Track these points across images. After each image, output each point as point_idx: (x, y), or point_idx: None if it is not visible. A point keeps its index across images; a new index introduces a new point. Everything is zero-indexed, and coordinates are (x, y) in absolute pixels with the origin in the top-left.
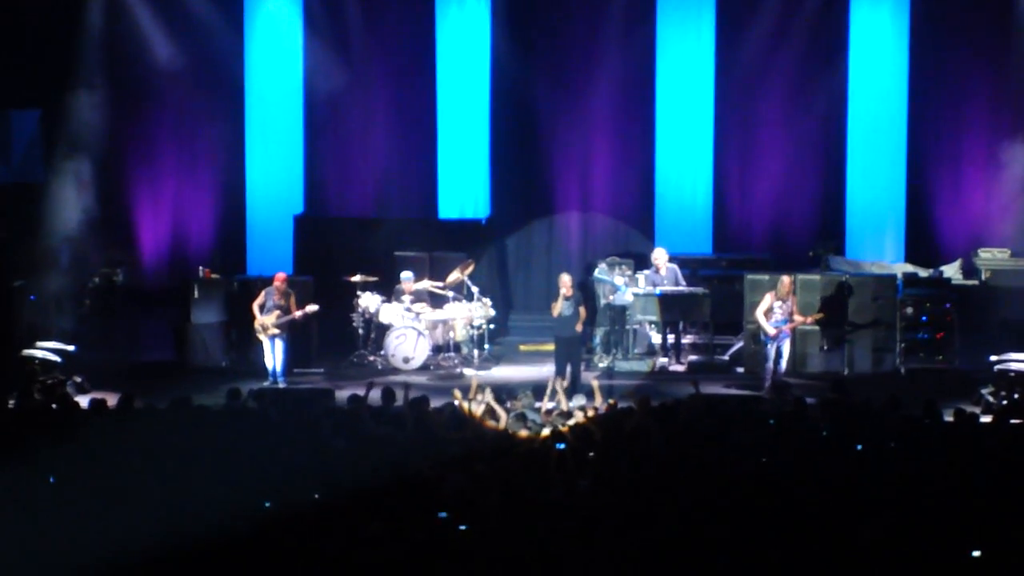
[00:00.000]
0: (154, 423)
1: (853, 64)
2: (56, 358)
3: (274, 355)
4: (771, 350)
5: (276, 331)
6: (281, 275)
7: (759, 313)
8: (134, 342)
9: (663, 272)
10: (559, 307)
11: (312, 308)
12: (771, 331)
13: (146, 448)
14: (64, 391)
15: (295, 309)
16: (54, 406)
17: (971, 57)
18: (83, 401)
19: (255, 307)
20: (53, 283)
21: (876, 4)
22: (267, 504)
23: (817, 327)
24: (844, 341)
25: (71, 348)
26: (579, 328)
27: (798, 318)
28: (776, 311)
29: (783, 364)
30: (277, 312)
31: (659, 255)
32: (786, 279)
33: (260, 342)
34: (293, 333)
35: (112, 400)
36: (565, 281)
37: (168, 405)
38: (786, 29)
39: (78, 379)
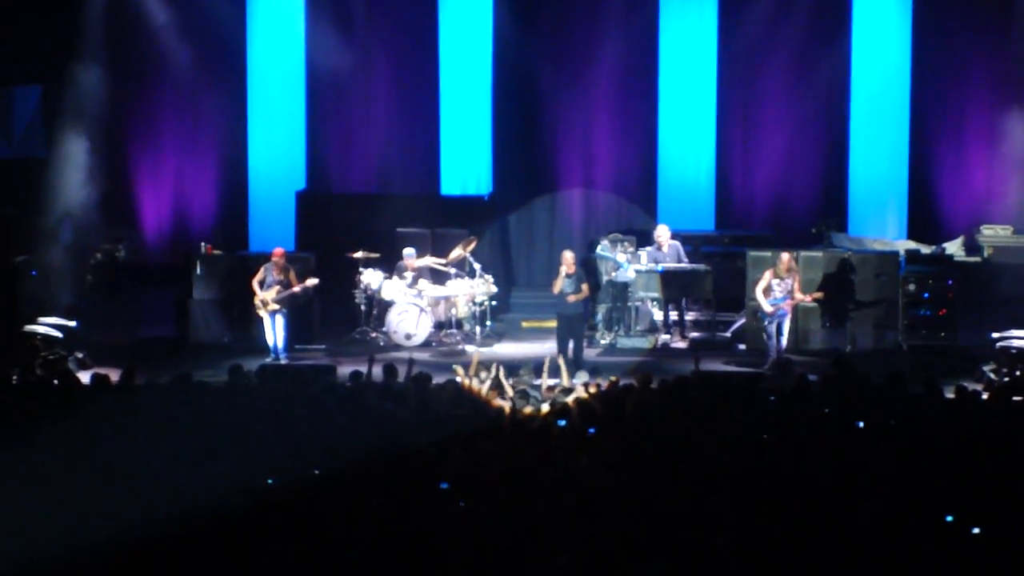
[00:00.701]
0: (156, 399)
1: (856, 40)
2: (58, 334)
3: (275, 331)
4: (772, 328)
5: (276, 306)
6: (279, 250)
7: (758, 290)
8: (136, 318)
9: (665, 249)
10: (559, 284)
11: (313, 281)
12: (768, 308)
13: (148, 424)
14: (66, 367)
15: (295, 283)
16: (56, 382)
17: (974, 34)
18: (85, 377)
19: (255, 283)
20: (55, 259)
21: None
22: (269, 480)
23: (817, 304)
24: (846, 318)
25: (73, 324)
26: (571, 300)
27: (798, 296)
28: (775, 289)
29: (783, 342)
30: (277, 287)
31: (662, 232)
32: (785, 256)
33: (261, 318)
34: (295, 309)
35: (114, 376)
36: (567, 258)
37: (170, 381)
38: (789, 5)
39: (80, 355)
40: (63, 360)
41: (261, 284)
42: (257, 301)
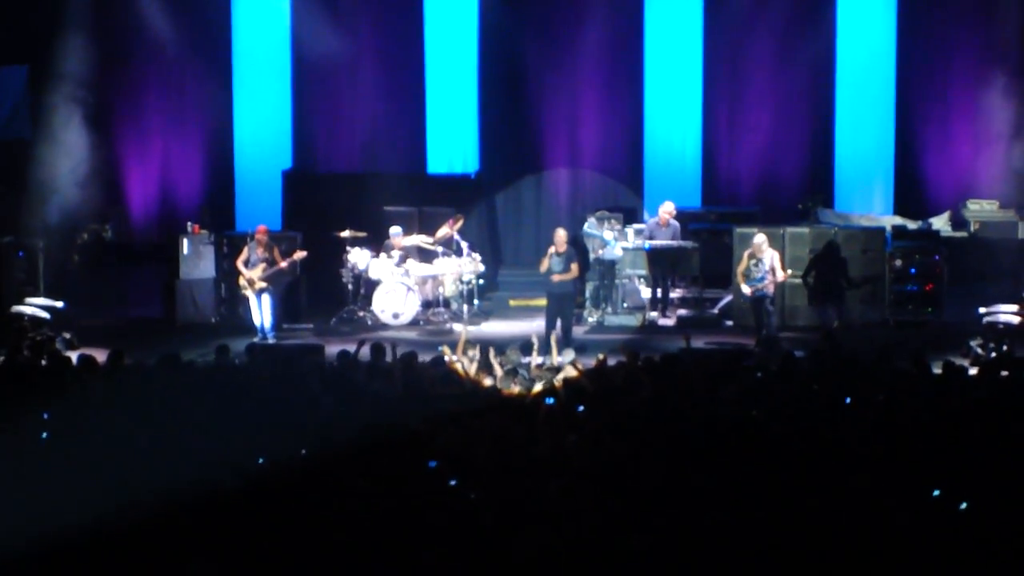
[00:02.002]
0: (143, 379)
1: (841, 16)
2: (45, 314)
3: (261, 311)
4: (761, 309)
5: (263, 284)
6: (262, 227)
7: (738, 273)
8: (123, 298)
9: (666, 227)
10: (547, 263)
11: (300, 255)
12: (747, 290)
13: (135, 404)
14: (53, 347)
15: (280, 260)
16: (43, 362)
17: (959, 9)
18: (72, 357)
19: (239, 264)
20: (42, 239)
21: None
22: (260, 460)
23: (808, 280)
24: (833, 294)
25: (60, 304)
26: (555, 279)
27: (779, 274)
28: (753, 270)
29: (774, 320)
30: (263, 265)
31: (667, 208)
32: (757, 236)
33: (247, 298)
34: (282, 288)
35: (101, 356)
36: (559, 236)
37: (157, 361)
38: None
39: (67, 335)
40: (50, 341)
41: (246, 263)
42: (242, 281)
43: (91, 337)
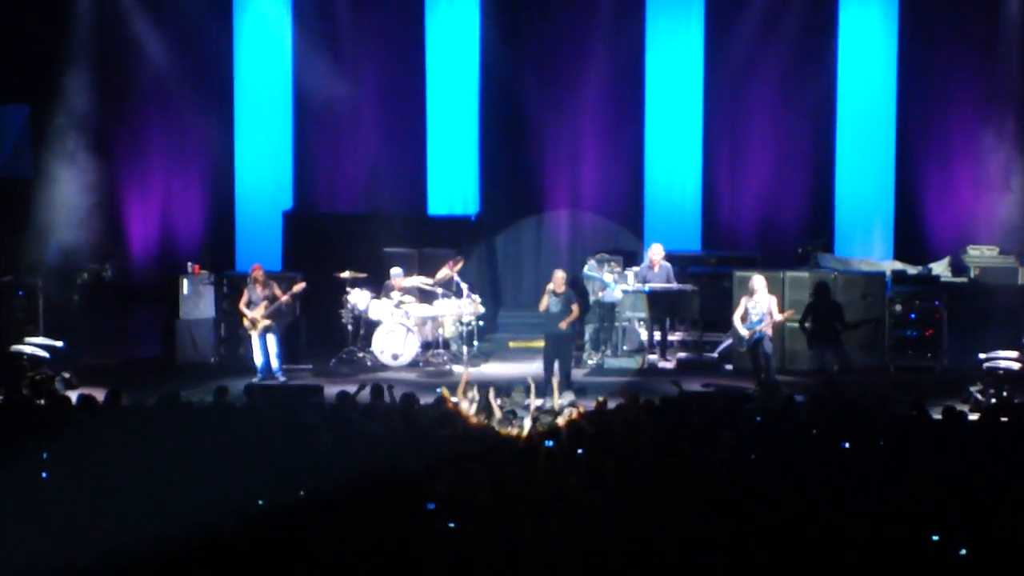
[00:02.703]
0: (142, 419)
1: (842, 61)
2: (44, 354)
3: (264, 350)
4: (759, 352)
5: (267, 323)
6: (256, 266)
7: (735, 318)
8: (123, 338)
9: (656, 269)
10: (545, 302)
11: (299, 287)
12: (744, 333)
13: (134, 444)
14: (52, 387)
15: (281, 295)
16: (42, 402)
17: (959, 54)
18: (71, 397)
19: (242, 306)
20: (42, 278)
21: (865, 1)
22: (259, 501)
23: (805, 325)
24: (833, 339)
25: (59, 344)
26: (563, 326)
27: (776, 316)
28: (751, 313)
29: (773, 364)
30: (264, 303)
31: (656, 251)
32: (755, 279)
33: (250, 337)
34: (284, 326)
35: (100, 396)
36: (557, 277)
37: (156, 401)
38: (775, 25)
39: (66, 375)
40: (50, 380)
41: (248, 305)
42: (246, 322)
43: (90, 377)
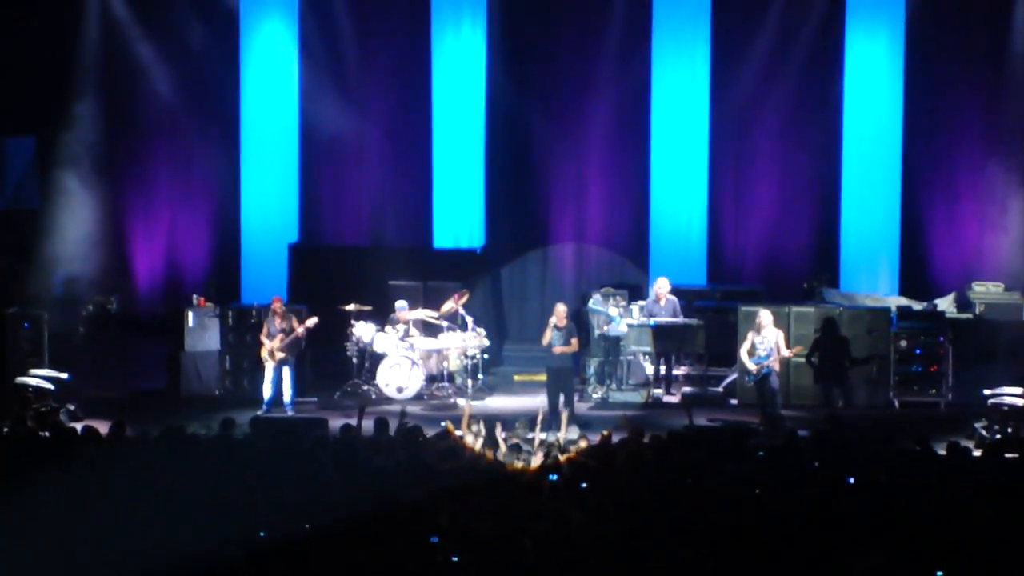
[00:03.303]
0: (146, 452)
1: (848, 96)
2: (49, 386)
3: (274, 384)
4: (765, 387)
5: (283, 354)
6: (276, 299)
7: (742, 352)
8: (128, 370)
9: (663, 303)
10: (548, 336)
11: (312, 321)
12: (751, 367)
13: (138, 477)
14: (57, 419)
15: (298, 327)
16: (46, 434)
17: (966, 91)
18: (76, 429)
19: (263, 337)
20: (47, 310)
21: (871, 36)
22: (261, 534)
23: (812, 360)
24: (838, 374)
25: (64, 376)
26: (556, 350)
27: (783, 352)
28: (758, 348)
29: (779, 398)
30: (280, 335)
31: (662, 285)
32: (762, 314)
33: (255, 369)
34: (300, 358)
35: (105, 428)
36: (559, 311)
37: (161, 434)
38: (781, 61)
39: (71, 407)
40: (54, 412)
41: (268, 335)
42: (263, 353)
43: (95, 409)
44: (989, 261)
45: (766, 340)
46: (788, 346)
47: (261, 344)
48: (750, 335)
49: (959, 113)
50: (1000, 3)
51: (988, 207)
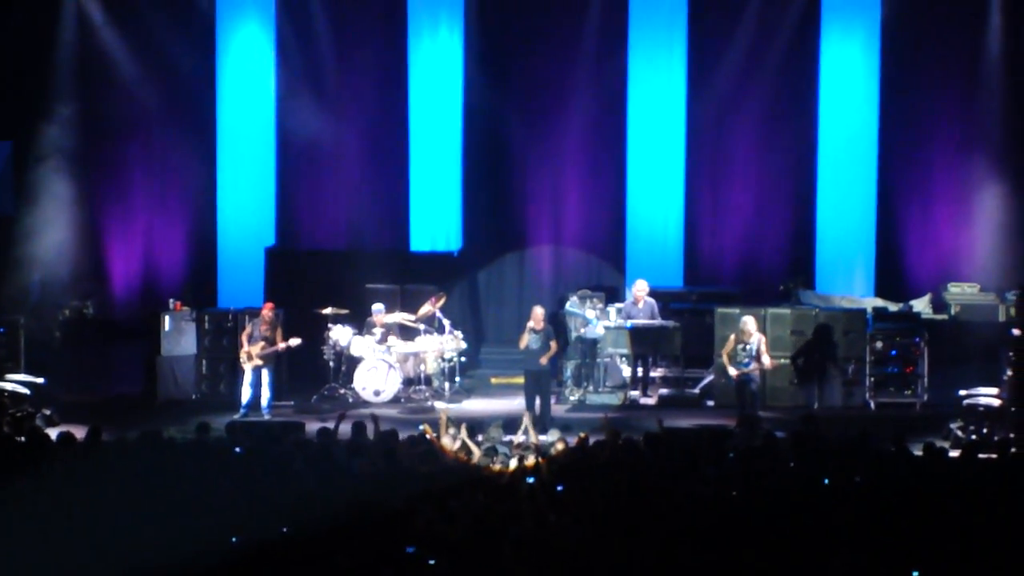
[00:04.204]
0: (123, 456)
1: (823, 99)
2: (25, 391)
3: (253, 387)
4: (745, 391)
5: (260, 362)
6: (269, 304)
7: (723, 353)
8: (104, 375)
9: (641, 305)
10: (526, 339)
11: (295, 342)
12: (733, 372)
13: (115, 481)
14: (33, 424)
15: (280, 341)
16: (23, 439)
17: (941, 93)
18: (52, 434)
19: (243, 337)
20: (23, 315)
21: (847, 39)
22: (237, 539)
23: (798, 361)
24: (814, 375)
25: (41, 380)
26: (543, 361)
27: (765, 361)
28: (740, 353)
29: (757, 402)
30: (262, 343)
31: (640, 287)
32: (748, 320)
33: (231, 373)
34: (276, 363)
35: (81, 433)
36: (536, 314)
37: (137, 438)
38: (757, 64)
39: (47, 412)
40: (31, 417)
41: (249, 338)
42: (242, 354)
43: (72, 414)
44: (965, 262)
45: (749, 345)
46: (768, 351)
47: (240, 344)
48: (732, 338)
49: (934, 115)
50: (975, 6)
51: (963, 208)
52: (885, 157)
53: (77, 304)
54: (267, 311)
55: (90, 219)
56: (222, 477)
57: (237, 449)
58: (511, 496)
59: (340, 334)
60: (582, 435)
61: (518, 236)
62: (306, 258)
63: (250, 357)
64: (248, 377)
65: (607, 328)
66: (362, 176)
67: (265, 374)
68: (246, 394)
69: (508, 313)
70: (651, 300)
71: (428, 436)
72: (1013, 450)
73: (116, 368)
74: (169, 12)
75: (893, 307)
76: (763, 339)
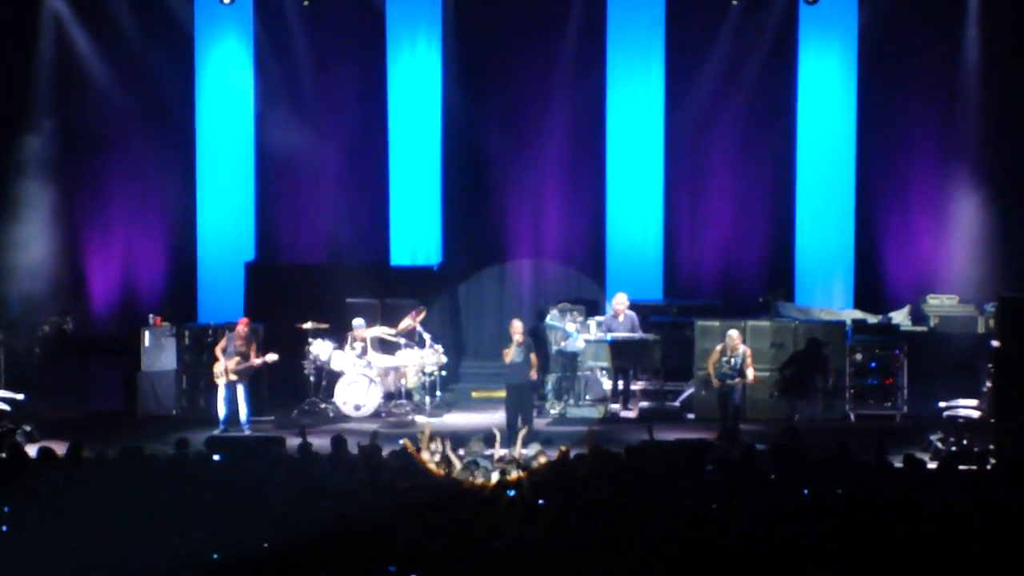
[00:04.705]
0: (103, 472)
1: (801, 112)
2: (5, 407)
3: (227, 402)
4: (727, 402)
5: (234, 377)
6: (244, 320)
7: (708, 364)
8: (84, 390)
9: (621, 318)
10: (511, 353)
11: (271, 358)
12: (715, 383)
13: (95, 497)
14: (13, 440)
15: (255, 356)
16: (2, 455)
17: (918, 106)
18: (32, 450)
19: (218, 350)
20: (2, 331)
21: (824, 52)
22: (216, 555)
23: (785, 373)
24: (794, 387)
25: (20, 397)
26: (534, 375)
27: (750, 374)
28: (724, 365)
29: (740, 415)
30: (237, 358)
31: (620, 300)
32: (734, 333)
33: (211, 389)
34: (254, 378)
35: (62, 449)
36: (516, 327)
37: (118, 454)
38: (735, 77)
39: (28, 428)
40: (11, 433)
41: (224, 352)
42: (217, 369)
43: (52, 430)
44: (943, 274)
45: (735, 359)
46: (752, 364)
47: (215, 358)
48: (717, 351)
49: (912, 128)
50: (952, 19)
51: (941, 220)
52: (863, 170)
53: (57, 320)
54: (242, 326)
55: (70, 234)
56: (202, 493)
57: (216, 457)
58: (492, 510)
59: (320, 348)
60: (563, 449)
61: (498, 250)
62: (286, 272)
63: (225, 372)
64: (222, 392)
65: (587, 341)
66: (342, 190)
67: (240, 389)
68: (222, 410)
69: (488, 327)
70: (631, 313)
71: (409, 451)
72: (992, 462)
73: (96, 384)
74: (148, 27)
75: (872, 319)
76: (749, 352)
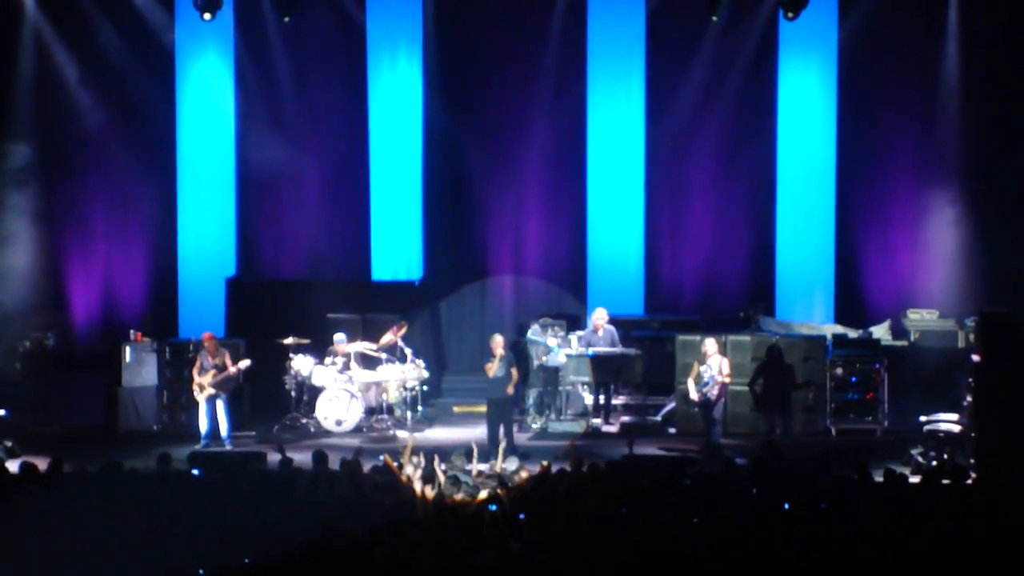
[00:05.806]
0: (84, 488)
1: (782, 127)
2: None
3: (210, 417)
4: (707, 415)
5: (212, 391)
6: (207, 334)
7: (689, 381)
8: (65, 406)
9: (600, 333)
10: (494, 368)
11: (245, 363)
12: (694, 396)
13: (76, 512)
14: None
15: (230, 365)
16: None
17: (898, 121)
18: (13, 465)
19: (195, 371)
20: None
21: (804, 68)
22: (200, 571)
23: (755, 387)
24: (775, 402)
25: (1, 412)
26: (511, 390)
27: (722, 376)
28: (703, 376)
29: (718, 428)
30: (213, 371)
31: (600, 315)
32: (708, 342)
33: (193, 404)
34: (231, 392)
35: (42, 464)
36: (498, 342)
37: (99, 469)
38: (715, 93)
39: (8, 443)
40: None
41: (200, 370)
42: (194, 387)
43: (33, 445)
44: (923, 288)
45: (710, 368)
46: (727, 374)
47: (191, 378)
48: (696, 364)
49: (892, 143)
50: (931, 35)
51: (921, 235)
52: (843, 185)
53: (38, 335)
54: (207, 340)
55: (50, 250)
56: (184, 508)
57: (195, 471)
58: (474, 525)
59: (301, 364)
60: (544, 463)
61: (479, 265)
62: (267, 288)
63: (202, 388)
64: (203, 407)
65: (569, 356)
66: (323, 206)
67: (220, 404)
68: (203, 425)
69: (470, 342)
70: (611, 328)
71: (390, 466)
72: (973, 475)
73: (77, 399)
74: (129, 43)
75: (853, 334)
76: (725, 361)
